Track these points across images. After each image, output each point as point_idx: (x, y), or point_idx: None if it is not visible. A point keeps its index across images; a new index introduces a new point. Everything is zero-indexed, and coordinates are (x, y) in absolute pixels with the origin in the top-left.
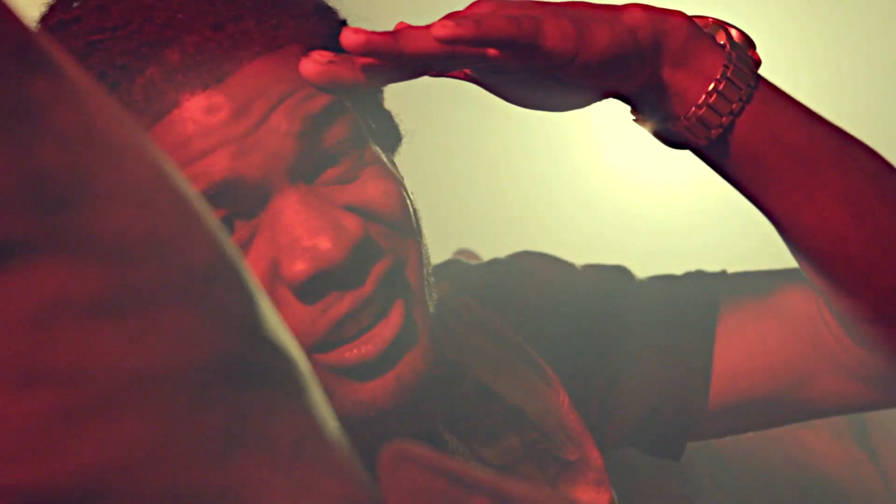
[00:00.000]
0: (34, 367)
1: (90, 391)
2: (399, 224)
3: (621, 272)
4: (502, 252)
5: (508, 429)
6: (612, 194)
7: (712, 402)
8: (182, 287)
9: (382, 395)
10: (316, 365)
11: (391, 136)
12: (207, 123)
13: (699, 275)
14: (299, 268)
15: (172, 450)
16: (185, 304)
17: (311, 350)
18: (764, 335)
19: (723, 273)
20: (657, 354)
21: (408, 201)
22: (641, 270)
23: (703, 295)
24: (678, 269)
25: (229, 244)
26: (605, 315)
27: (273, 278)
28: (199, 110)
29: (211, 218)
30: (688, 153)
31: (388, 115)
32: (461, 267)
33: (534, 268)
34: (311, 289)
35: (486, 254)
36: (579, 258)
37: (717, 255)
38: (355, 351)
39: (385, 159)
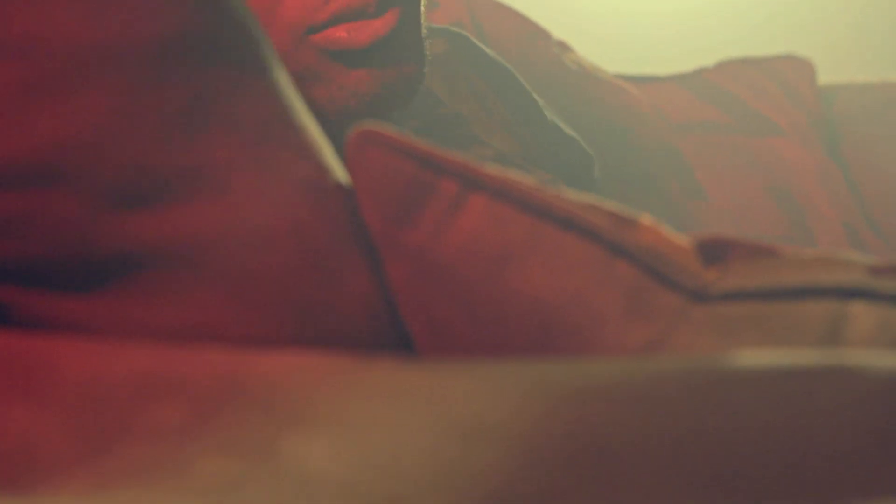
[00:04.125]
0: None
1: (47, 64)
2: None
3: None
4: None
5: (480, 143)
6: None
7: None
8: None
9: (366, 84)
10: (308, 48)
11: None
12: None
13: None
14: None
15: (134, 127)
16: None
17: (306, 32)
18: None
19: None
20: None
21: None
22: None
23: None
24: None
25: None
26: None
27: None
28: None
29: None
30: None
31: None
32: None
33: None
34: None
35: None
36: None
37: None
38: (346, 34)
39: None
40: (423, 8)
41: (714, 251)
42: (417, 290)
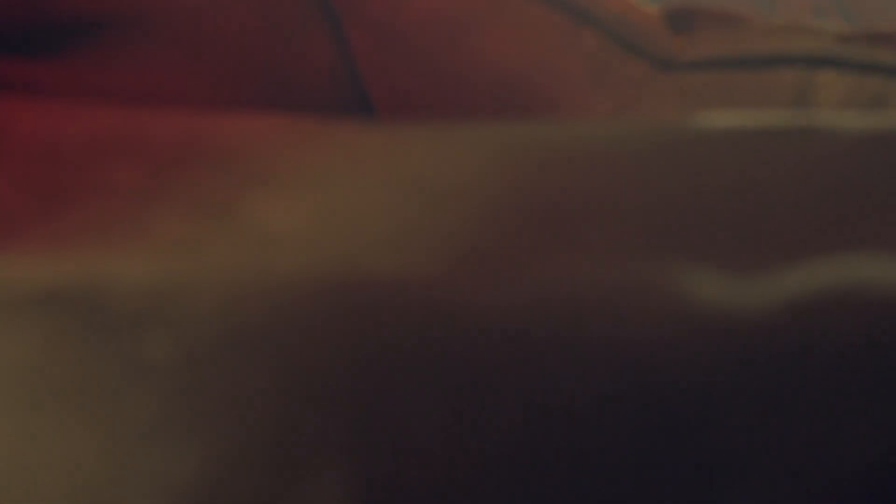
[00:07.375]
0: None
1: None
2: None
3: None
4: None
5: None
6: None
7: None
8: None
9: None
10: None
11: None
12: None
13: None
14: None
15: None
16: None
17: None
18: None
19: None
20: None
21: None
22: None
23: None
24: None
25: None
26: None
27: None
28: None
29: None
30: None
31: None
32: None
33: None
34: None
35: None
36: None
37: None
38: None
39: None
40: None
41: (682, 20)
42: (380, 58)
